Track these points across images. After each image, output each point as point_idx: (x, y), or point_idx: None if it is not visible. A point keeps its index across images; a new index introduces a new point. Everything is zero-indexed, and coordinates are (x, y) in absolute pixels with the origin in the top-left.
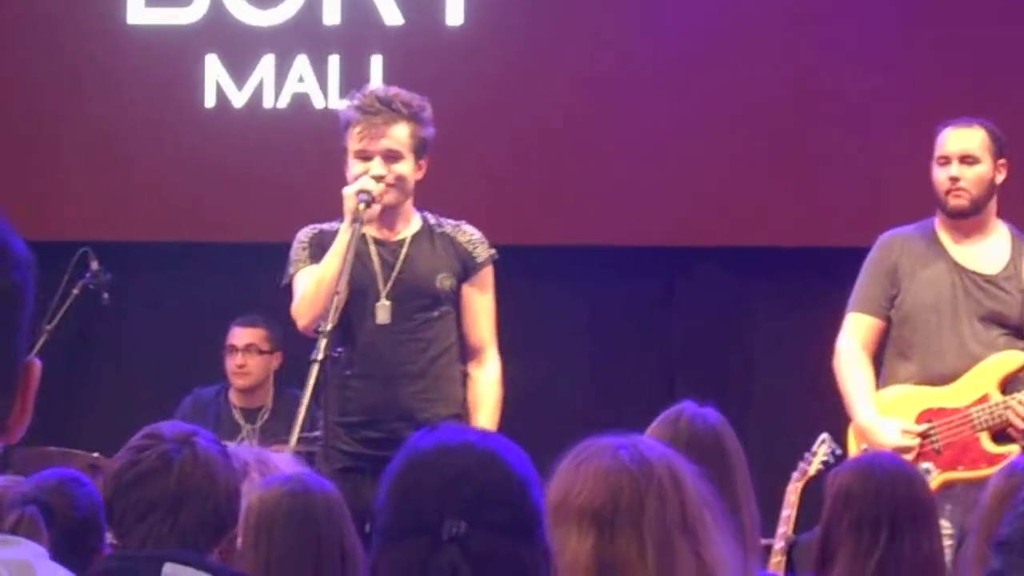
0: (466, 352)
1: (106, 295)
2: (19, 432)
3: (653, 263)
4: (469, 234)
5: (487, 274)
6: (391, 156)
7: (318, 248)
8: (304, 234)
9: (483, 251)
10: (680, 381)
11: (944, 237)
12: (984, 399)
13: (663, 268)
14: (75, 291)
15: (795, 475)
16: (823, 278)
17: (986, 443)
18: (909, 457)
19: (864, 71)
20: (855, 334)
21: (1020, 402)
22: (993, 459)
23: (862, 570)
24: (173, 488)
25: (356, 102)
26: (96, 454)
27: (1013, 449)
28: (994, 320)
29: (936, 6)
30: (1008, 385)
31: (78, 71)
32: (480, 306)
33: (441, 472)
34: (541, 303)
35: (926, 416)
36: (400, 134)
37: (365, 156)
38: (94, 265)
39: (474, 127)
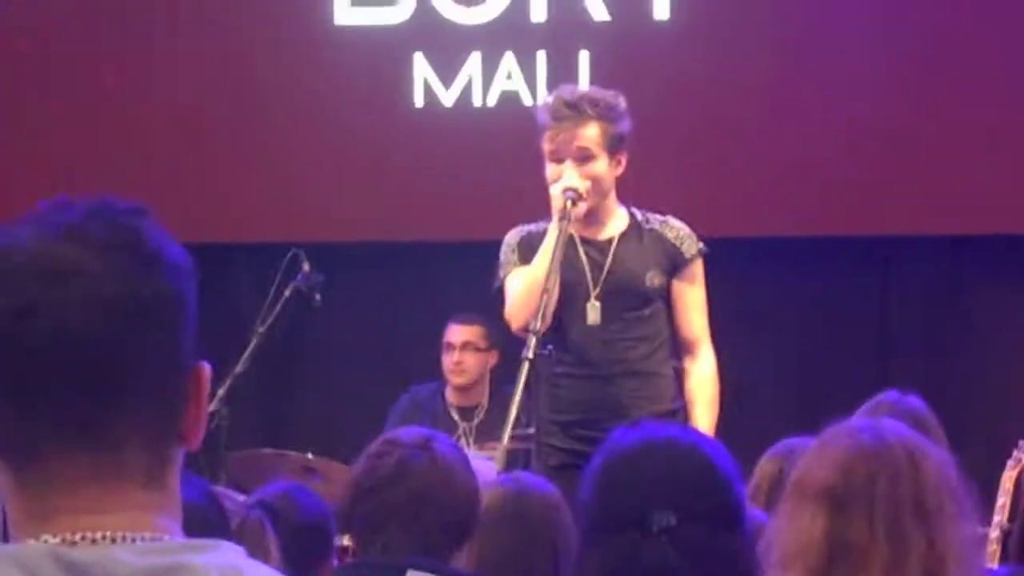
0: (679, 348)
1: (318, 296)
2: (197, 439)
3: (864, 254)
4: (677, 229)
5: (696, 268)
6: (584, 157)
7: (527, 249)
8: (512, 236)
9: (692, 245)
10: (894, 375)
11: None
12: None
13: (875, 258)
14: (287, 293)
15: (1009, 463)
16: None
17: None
18: None
19: None
20: None
21: None
22: None
23: None
24: (413, 494)
25: (546, 105)
26: (309, 455)
27: None
28: None
29: None
30: None
31: (288, 72)
32: (691, 301)
33: (647, 467)
34: (750, 296)
35: None
36: (591, 134)
37: (558, 159)
38: (306, 267)
39: (680, 120)
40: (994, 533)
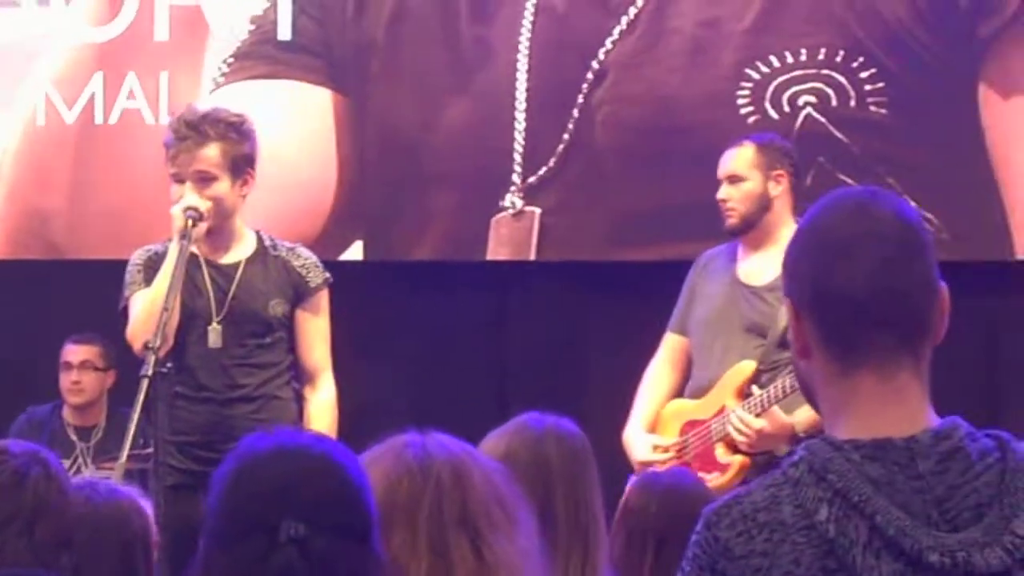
0: (300, 375)
1: None
2: None
3: (486, 278)
4: (304, 258)
5: (321, 298)
6: (204, 178)
7: (152, 270)
8: (138, 256)
9: (317, 275)
10: (512, 396)
11: (740, 252)
12: (722, 411)
13: (496, 282)
14: None
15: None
16: (661, 292)
17: (719, 452)
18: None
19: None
20: (663, 351)
21: (739, 417)
22: (722, 467)
23: None
24: (30, 503)
25: (169, 125)
26: None
27: (738, 459)
28: (755, 331)
29: None
30: (746, 394)
31: None
32: (314, 330)
33: (278, 474)
34: (375, 318)
35: (686, 428)
36: (211, 155)
37: (179, 179)
38: None
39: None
40: None
